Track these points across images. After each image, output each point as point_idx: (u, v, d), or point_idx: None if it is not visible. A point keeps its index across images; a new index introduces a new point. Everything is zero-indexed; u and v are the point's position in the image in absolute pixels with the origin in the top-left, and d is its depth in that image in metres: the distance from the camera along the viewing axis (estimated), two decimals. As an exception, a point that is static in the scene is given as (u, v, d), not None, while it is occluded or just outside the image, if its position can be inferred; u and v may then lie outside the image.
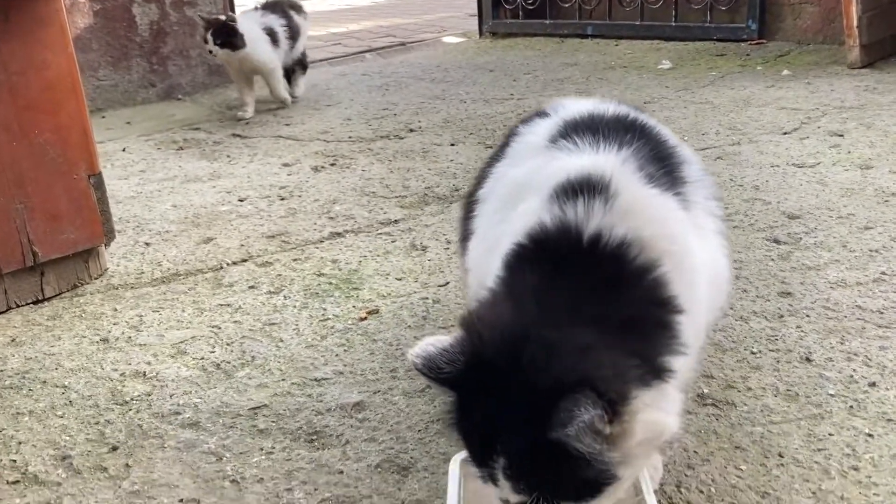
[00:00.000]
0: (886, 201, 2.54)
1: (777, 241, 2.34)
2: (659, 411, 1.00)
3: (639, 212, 1.08)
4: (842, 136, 3.23)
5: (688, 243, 1.12)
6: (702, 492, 1.38)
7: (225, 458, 1.56)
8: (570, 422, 0.88)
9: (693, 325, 1.09)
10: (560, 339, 0.99)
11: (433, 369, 1.00)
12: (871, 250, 2.24)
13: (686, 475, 1.42)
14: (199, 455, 1.58)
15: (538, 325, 1.01)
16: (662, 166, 1.20)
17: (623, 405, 0.94)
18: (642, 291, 1.06)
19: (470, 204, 1.43)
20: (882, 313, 1.90)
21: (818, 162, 2.96)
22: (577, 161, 1.17)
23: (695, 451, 1.48)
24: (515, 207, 1.20)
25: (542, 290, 1.06)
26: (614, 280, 1.06)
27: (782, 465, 1.43)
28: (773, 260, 2.24)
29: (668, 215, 1.13)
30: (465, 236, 1.43)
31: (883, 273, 2.10)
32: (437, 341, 1.02)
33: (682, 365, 1.06)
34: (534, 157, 1.29)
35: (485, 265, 1.21)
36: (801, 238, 2.35)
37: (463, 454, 1.18)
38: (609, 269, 1.04)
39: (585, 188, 1.08)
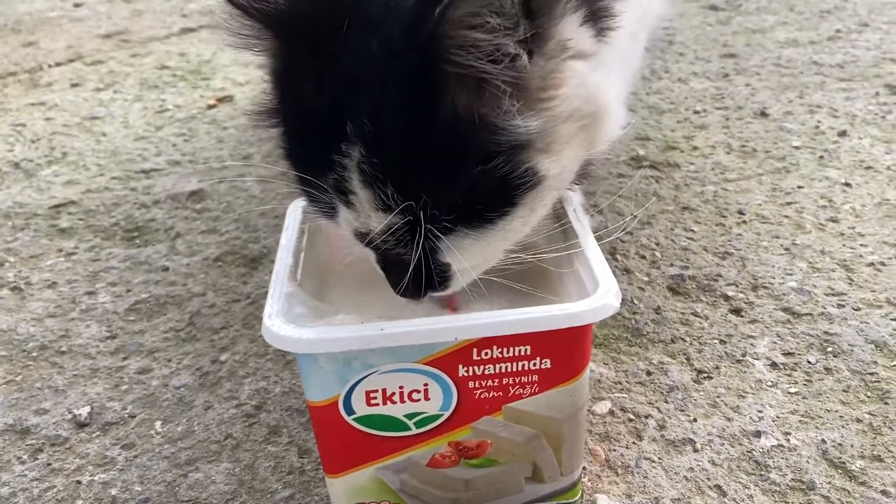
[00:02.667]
0: (833, -32, 2.18)
1: (714, 8, 1.97)
2: (595, 71, 0.62)
3: None
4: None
5: None
6: (644, 257, 1.04)
7: (7, 264, 1.13)
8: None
9: None
10: None
11: None
12: (821, 11, 1.90)
13: (622, 241, 1.07)
14: (-29, 262, 1.15)
15: None
16: None
17: (546, 20, 0.56)
18: None
19: None
20: (843, 67, 1.57)
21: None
22: None
23: (632, 215, 1.13)
24: None
25: None
26: None
27: (744, 222, 1.10)
28: (710, 25, 1.88)
29: None
30: None
31: (838, 31, 1.76)
32: None
33: (627, 20, 0.68)
34: None
35: None
36: (740, 4, 2.00)
37: (303, 201, 0.78)
38: None
39: None
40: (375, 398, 0.62)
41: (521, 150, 0.58)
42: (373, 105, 0.56)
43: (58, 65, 1.99)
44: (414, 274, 0.62)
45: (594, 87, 0.62)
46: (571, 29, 0.59)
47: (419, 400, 0.62)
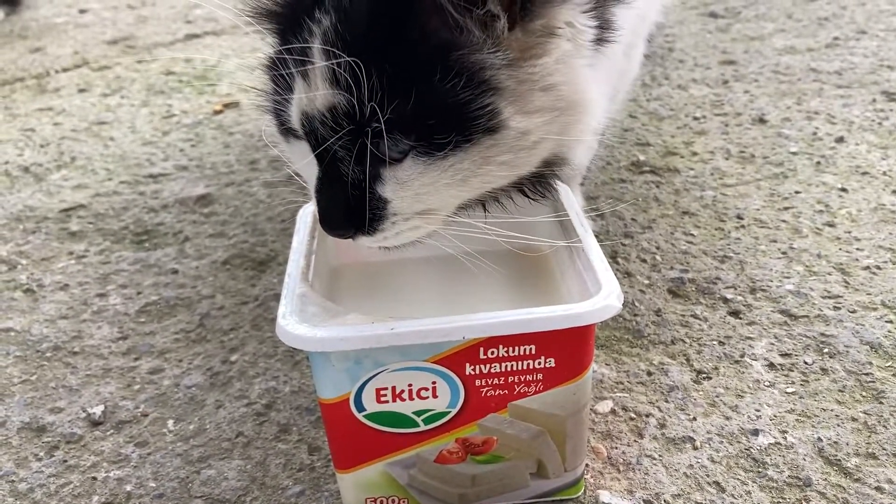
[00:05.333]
0: (831, -24, 2.21)
1: (714, 16, 2.00)
2: (583, 62, 0.64)
3: None
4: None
5: None
6: (644, 261, 1.06)
7: (20, 266, 1.15)
8: None
9: None
10: None
11: None
12: (819, 18, 1.92)
13: (623, 244, 1.09)
14: (-17, 264, 1.17)
15: None
16: None
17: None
18: None
19: None
20: (840, 74, 1.59)
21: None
22: None
23: (633, 219, 1.15)
24: None
25: None
26: None
27: (742, 226, 1.12)
28: (710, 32, 1.90)
29: None
30: None
31: (836, 38, 1.79)
32: None
33: (626, 29, 0.71)
34: None
35: None
36: (740, 12, 2.02)
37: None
38: None
39: None
40: (385, 395, 0.64)
41: (486, 87, 0.59)
42: None
43: (65, 70, 2.02)
44: (347, 202, 0.62)
45: (579, 74, 0.63)
46: (566, 17, 0.61)
47: (427, 397, 0.64)
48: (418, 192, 0.62)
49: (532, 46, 0.60)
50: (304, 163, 0.68)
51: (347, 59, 0.57)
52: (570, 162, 0.68)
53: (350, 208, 0.62)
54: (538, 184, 0.69)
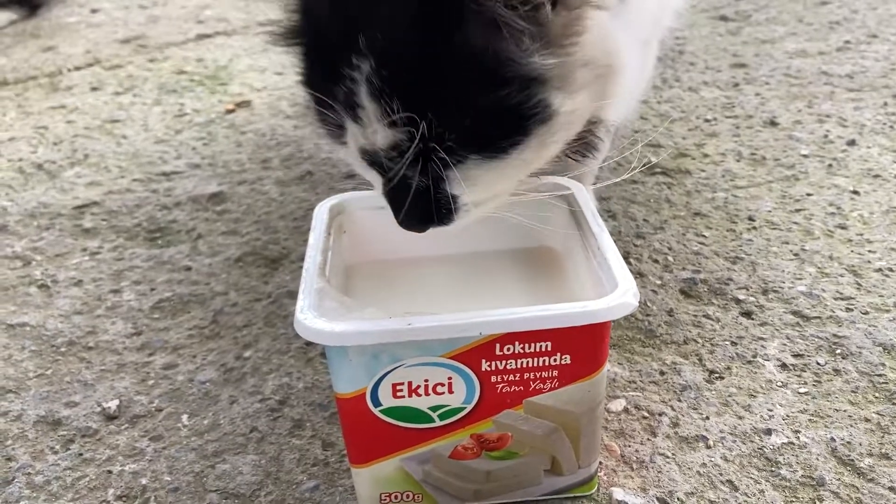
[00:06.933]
0: (841, -20, 2.21)
1: (724, 19, 2.00)
2: (615, 25, 0.66)
3: None
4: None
5: None
6: (657, 261, 1.06)
7: (34, 262, 1.16)
8: None
9: None
10: None
11: None
12: (830, 22, 1.92)
13: (635, 245, 1.09)
14: (-2, 261, 1.17)
15: None
16: None
17: None
18: None
19: None
20: (852, 77, 1.59)
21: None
22: None
23: (644, 220, 1.15)
24: None
25: None
26: None
27: (754, 228, 1.12)
28: (720, 35, 1.90)
29: None
30: None
31: (847, 42, 1.79)
32: None
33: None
34: None
35: None
36: (750, 15, 2.02)
37: (332, 200, 0.81)
38: None
39: None
40: (401, 390, 0.64)
41: (535, 83, 0.60)
42: (387, 19, 0.58)
43: (77, 69, 2.03)
44: (418, 202, 0.64)
45: (612, 39, 0.65)
46: None
47: (443, 393, 0.65)
48: (486, 184, 0.65)
49: (572, 22, 0.61)
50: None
51: (402, 114, 0.58)
52: (606, 120, 0.70)
53: (423, 208, 0.65)
54: (580, 146, 0.71)
